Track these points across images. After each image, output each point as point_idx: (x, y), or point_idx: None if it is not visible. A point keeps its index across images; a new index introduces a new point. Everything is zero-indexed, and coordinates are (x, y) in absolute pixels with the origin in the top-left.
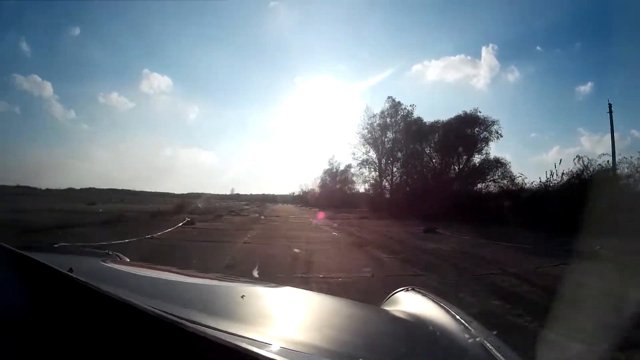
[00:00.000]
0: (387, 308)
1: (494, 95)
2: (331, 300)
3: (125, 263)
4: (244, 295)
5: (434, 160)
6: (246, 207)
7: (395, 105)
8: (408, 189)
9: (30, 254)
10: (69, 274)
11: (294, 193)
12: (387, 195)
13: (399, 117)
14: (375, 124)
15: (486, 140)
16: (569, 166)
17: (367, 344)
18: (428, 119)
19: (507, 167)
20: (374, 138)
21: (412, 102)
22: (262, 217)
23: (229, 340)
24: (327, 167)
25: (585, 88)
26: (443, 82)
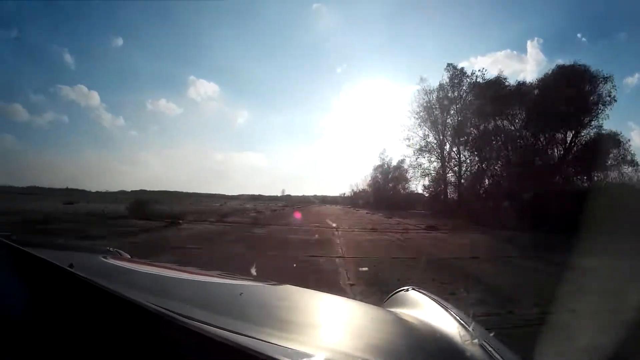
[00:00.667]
0: (387, 308)
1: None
2: (331, 298)
3: (125, 259)
4: (242, 293)
5: (524, 139)
6: (275, 208)
7: (459, 75)
8: (488, 182)
9: (30, 249)
10: (70, 269)
11: (344, 194)
12: (454, 194)
13: (464, 87)
14: (433, 101)
15: (602, 105)
16: None
17: (367, 343)
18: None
19: (626, 146)
20: (433, 118)
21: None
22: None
23: (227, 337)
24: (378, 163)
25: (633, 80)
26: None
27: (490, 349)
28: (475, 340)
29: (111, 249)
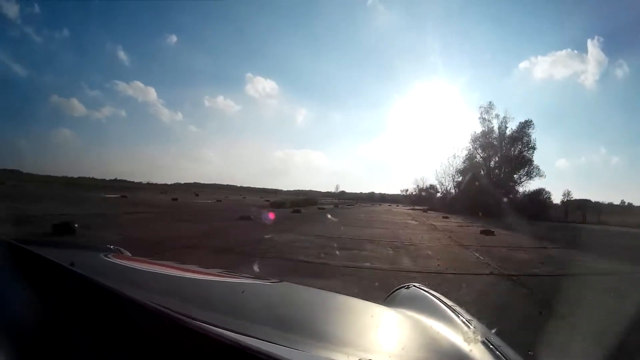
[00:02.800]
0: (388, 305)
1: (604, 90)
2: (332, 296)
3: (126, 257)
4: (243, 291)
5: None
6: (325, 206)
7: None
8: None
9: (31, 248)
10: (71, 267)
11: (407, 191)
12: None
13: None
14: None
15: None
16: None
17: (368, 340)
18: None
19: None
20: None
21: (522, 103)
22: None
23: (229, 337)
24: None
25: None
26: (552, 80)
27: (492, 346)
28: (477, 338)
29: (112, 247)
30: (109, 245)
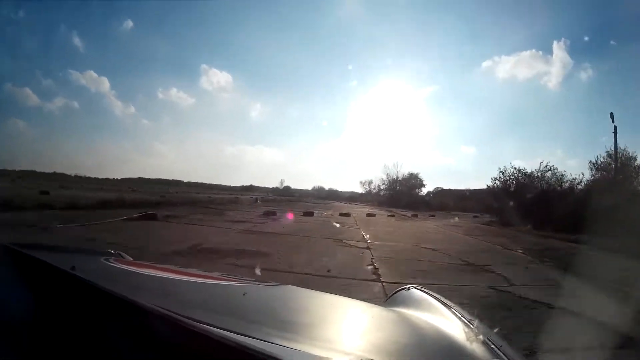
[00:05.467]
0: (388, 306)
1: (566, 93)
2: (333, 298)
3: (127, 262)
4: (245, 293)
5: None
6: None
7: None
8: None
9: (32, 252)
10: (72, 272)
11: (369, 183)
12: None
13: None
14: None
15: None
16: None
17: (369, 342)
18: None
19: None
20: None
21: (484, 100)
22: None
23: (232, 339)
24: (387, 172)
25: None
26: (514, 80)
27: (493, 346)
28: (479, 338)
29: (112, 251)
30: (109, 250)
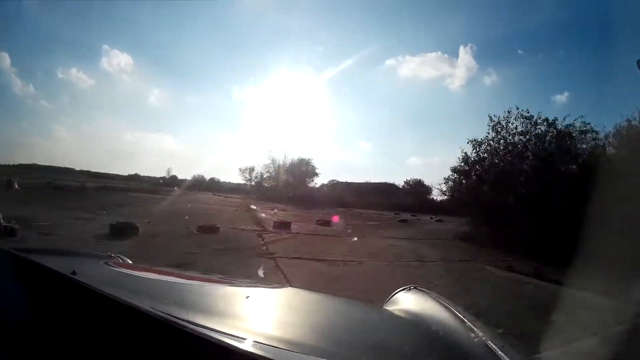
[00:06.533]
0: (389, 308)
1: (468, 96)
2: (334, 300)
3: (128, 265)
4: (248, 297)
5: None
6: None
7: None
8: None
9: (33, 257)
10: (72, 277)
11: (251, 171)
12: None
13: None
14: None
15: None
16: None
17: (370, 344)
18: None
19: None
20: None
21: (384, 98)
22: None
23: (232, 342)
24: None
25: (562, 97)
26: (417, 80)
27: (494, 347)
28: (480, 339)
29: (113, 254)
30: (109, 253)
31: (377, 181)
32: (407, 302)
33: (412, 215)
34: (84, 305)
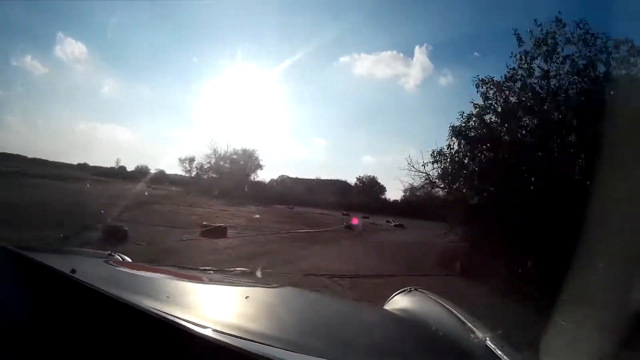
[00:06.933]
0: (389, 308)
1: (423, 95)
2: (334, 300)
3: (127, 264)
4: (247, 297)
5: None
6: None
7: None
8: None
9: (32, 254)
10: (72, 275)
11: (191, 162)
12: None
13: None
14: None
15: None
16: None
17: (370, 344)
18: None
19: None
20: None
21: (339, 95)
22: None
23: (231, 342)
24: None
25: None
26: (372, 78)
27: (494, 347)
28: (480, 340)
29: (113, 253)
30: (109, 252)
31: (329, 178)
32: (407, 303)
33: (364, 217)
34: (83, 304)
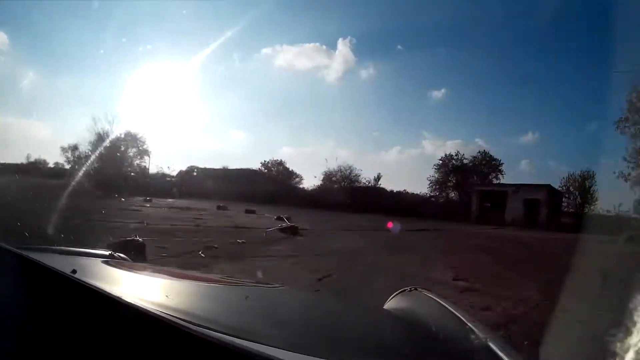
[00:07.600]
0: (389, 308)
1: (344, 88)
2: (334, 301)
3: (128, 264)
4: (247, 297)
5: None
6: None
7: None
8: None
9: (33, 254)
10: (72, 276)
11: (73, 150)
12: None
13: None
14: None
15: None
16: None
17: (370, 344)
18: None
19: None
20: None
21: (257, 86)
22: None
23: (232, 342)
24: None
25: (438, 94)
26: (292, 70)
27: (495, 348)
28: (481, 340)
29: (113, 253)
30: (110, 252)
31: (238, 167)
32: (408, 302)
33: (247, 212)
34: (83, 304)
